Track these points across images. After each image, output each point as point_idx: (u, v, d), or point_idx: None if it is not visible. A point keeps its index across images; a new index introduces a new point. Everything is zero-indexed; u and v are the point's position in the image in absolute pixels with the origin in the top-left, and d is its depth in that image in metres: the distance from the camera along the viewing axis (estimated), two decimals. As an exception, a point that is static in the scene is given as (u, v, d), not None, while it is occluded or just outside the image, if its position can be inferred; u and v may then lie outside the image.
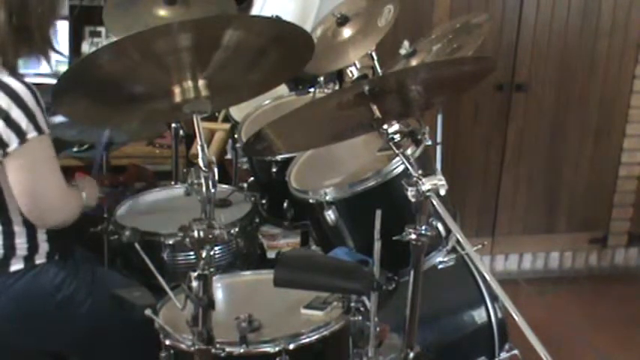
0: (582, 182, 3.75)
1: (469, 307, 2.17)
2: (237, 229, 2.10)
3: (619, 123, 3.69)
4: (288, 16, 2.75)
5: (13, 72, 1.74)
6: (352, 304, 1.63)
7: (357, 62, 2.21)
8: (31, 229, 1.86)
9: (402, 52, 2.32)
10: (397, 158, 1.74)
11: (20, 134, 1.71)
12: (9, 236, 1.84)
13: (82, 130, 2.25)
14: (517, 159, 3.65)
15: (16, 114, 1.70)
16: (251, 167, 2.44)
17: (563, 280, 3.82)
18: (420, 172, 1.48)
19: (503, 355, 2.15)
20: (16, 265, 1.86)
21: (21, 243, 1.85)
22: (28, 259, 1.87)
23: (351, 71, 2.20)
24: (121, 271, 2.08)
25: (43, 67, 1.89)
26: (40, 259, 1.88)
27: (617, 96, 3.64)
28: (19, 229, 1.85)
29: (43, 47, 1.80)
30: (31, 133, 1.71)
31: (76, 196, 1.90)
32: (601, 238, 3.86)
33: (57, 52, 1.85)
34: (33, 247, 1.87)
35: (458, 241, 1.90)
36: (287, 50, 1.44)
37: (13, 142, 1.71)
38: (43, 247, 1.88)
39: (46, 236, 1.88)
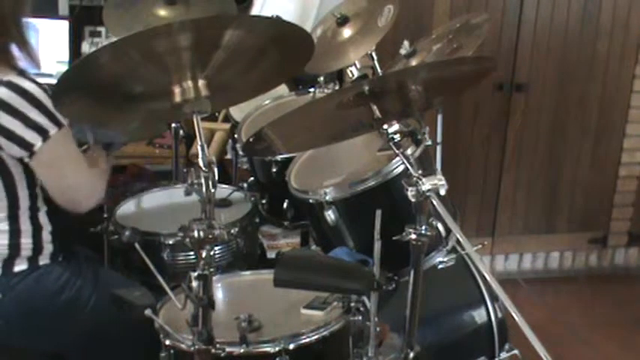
0: (582, 182, 3.75)
1: (469, 307, 2.17)
2: (237, 229, 2.10)
3: (619, 123, 3.69)
4: (288, 16, 2.75)
5: (21, 72, 1.75)
6: (352, 304, 1.63)
7: (357, 62, 2.21)
8: (36, 229, 1.86)
9: (402, 52, 2.32)
10: (397, 158, 1.74)
11: (42, 132, 1.73)
12: (15, 235, 1.85)
13: (81, 130, 2.25)
14: (517, 159, 3.65)
15: (34, 114, 1.71)
16: (251, 167, 2.44)
17: (563, 280, 3.82)
18: (420, 172, 1.48)
19: (503, 355, 2.15)
20: (20, 266, 1.86)
21: (26, 243, 1.86)
22: (32, 259, 1.87)
23: (351, 71, 2.20)
24: (121, 271, 2.08)
25: (42, 68, 1.88)
26: (43, 260, 1.88)
27: (617, 96, 3.64)
28: (25, 228, 1.85)
29: (19, 38, 1.79)
30: (53, 130, 1.74)
31: (100, 176, 1.93)
32: (601, 238, 3.86)
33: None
34: (37, 248, 1.87)
35: (458, 241, 1.90)
36: (287, 50, 1.43)
37: (37, 141, 1.73)
38: (48, 247, 1.88)
39: (51, 237, 1.89)
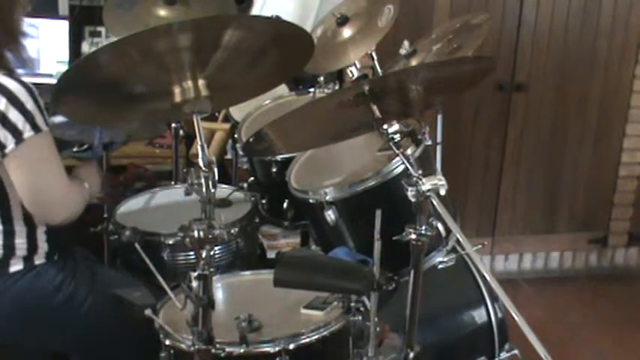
0: (582, 182, 3.75)
1: (469, 307, 2.17)
2: (237, 229, 2.09)
3: (619, 123, 3.68)
4: (288, 16, 2.75)
5: (9, 72, 1.74)
6: (352, 304, 1.63)
7: (357, 62, 2.21)
8: (31, 229, 1.86)
9: (402, 52, 2.32)
10: (397, 158, 1.74)
11: (16, 134, 1.70)
12: (9, 236, 1.84)
13: (82, 130, 2.25)
14: (517, 159, 3.65)
15: (13, 114, 1.70)
16: (251, 167, 2.44)
17: (563, 280, 3.82)
18: (420, 172, 1.48)
19: (503, 355, 2.15)
20: (16, 266, 1.86)
21: (21, 243, 1.85)
22: (28, 259, 1.86)
23: (351, 71, 2.20)
24: (121, 271, 2.08)
25: (42, 68, 1.89)
26: (39, 260, 1.88)
27: (617, 96, 3.64)
28: (19, 229, 1.85)
29: (7, 41, 1.77)
30: (28, 133, 1.71)
31: (79, 190, 1.90)
32: (601, 238, 3.86)
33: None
34: (32, 248, 1.87)
35: (458, 241, 1.90)
36: (287, 50, 1.43)
37: (10, 142, 1.71)
38: (43, 247, 1.88)
39: (46, 236, 1.88)
